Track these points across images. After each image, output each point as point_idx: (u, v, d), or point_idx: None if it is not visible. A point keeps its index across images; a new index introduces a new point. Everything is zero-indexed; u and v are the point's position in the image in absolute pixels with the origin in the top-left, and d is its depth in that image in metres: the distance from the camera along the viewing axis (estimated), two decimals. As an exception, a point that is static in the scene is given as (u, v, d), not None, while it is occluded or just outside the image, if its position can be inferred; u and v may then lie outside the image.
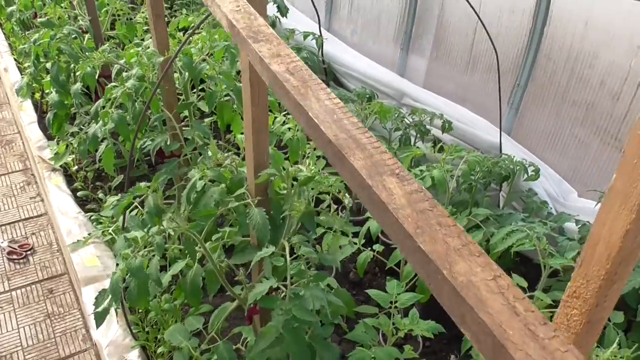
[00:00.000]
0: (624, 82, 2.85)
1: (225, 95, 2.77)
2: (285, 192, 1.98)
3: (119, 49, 3.64)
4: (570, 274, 1.01)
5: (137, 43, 3.42)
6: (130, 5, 4.64)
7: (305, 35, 4.49)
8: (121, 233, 2.22)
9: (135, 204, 2.35)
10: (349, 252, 2.54)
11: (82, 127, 3.61)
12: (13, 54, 5.16)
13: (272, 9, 4.56)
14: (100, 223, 3.26)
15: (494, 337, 0.59)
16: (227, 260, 2.08)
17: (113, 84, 2.90)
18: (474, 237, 2.53)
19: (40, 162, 3.83)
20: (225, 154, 2.31)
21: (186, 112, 2.84)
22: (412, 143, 3.54)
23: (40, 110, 4.41)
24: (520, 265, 2.96)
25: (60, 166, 3.77)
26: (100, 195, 3.62)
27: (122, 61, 3.01)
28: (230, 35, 2.81)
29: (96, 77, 3.26)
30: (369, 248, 2.62)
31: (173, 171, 2.68)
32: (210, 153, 2.39)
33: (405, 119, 3.55)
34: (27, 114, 4.37)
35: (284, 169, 1.96)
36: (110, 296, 1.83)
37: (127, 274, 1.85)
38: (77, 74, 3.30)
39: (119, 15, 4.23)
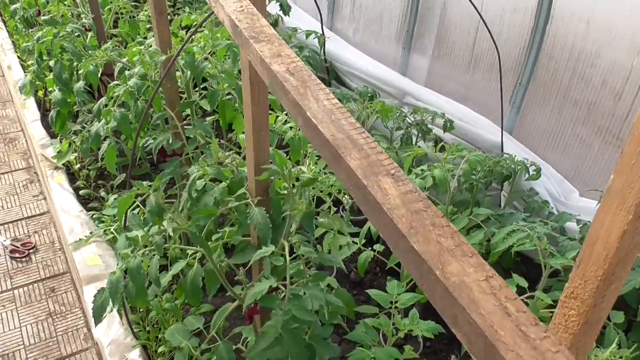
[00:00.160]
0: (626, 82, 2.85)
1: (227, 94, 2.77)
2: (285, 192, 1.99)
3: (121, 47, 3.65)
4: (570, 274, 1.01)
5: (139, 41, 3.42)
6: (133, 3, 4.65)
7: (308, 33, 4.50)
8: (122, 232, 2.23)
9: (137, 202, 2.35)
10: (349, 252, 2.54)
11: (84, 125, 3.61)
12: (16, 52, 5.18)
13: (274, 8, 4.56)
14: (102, 222, 3.26)
15: (485, 337, 0.59)
16: (227, 260, 2.08)
17: (115, 82, 2.90)
18: (474, 237, 2.53)
19: (43, 160, 3.85)
20: (227, 153, 2.31)
21: (188, 111, 2.85)
22: (413, 142, 3.54)
23: (43, 108, 4.43)
24: (521, 265, 2.96)
25: (63, 164, 3.78)
26: (103, 193, 3.63)
27: (124, 59, 3.02)
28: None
29: (99, 75, 3.26)
30: (370, 248, 2.62)
31: (175, 170, 2.68)
32: (212, 152, 2.39)
33: (407, 118, 3.54)
34: (30, 111, 4.38)
35: (287, 168, 1.96)
36: (108, 295, 1.83)
37: (126, 273, 1.86)
38: (80, 72, 3.31)
39: (121, 13, 4.23)
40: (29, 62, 4.55)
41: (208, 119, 3.19)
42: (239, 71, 2.84)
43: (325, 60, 4.61)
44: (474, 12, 3.38)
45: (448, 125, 3.49)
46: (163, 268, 2.05)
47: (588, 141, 3.13)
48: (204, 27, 3.01)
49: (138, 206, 2.43)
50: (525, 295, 2.18)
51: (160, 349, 2.55)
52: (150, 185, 2.32)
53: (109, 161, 2.96)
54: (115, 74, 3.08)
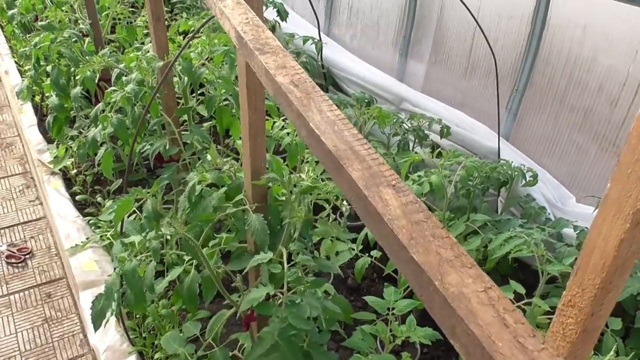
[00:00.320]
0: (622, 88, 2.86)
1: (225, 100, 2.77)
2: (283, 198, 1.98)
3: (119, 53, 3.65)
4: (568, 280, 1.01)
5: (137, 47, 3.43)
6: (130, 9, 4.66)
7: (305, 39, 4.50)
8: (119, 237, 2.22)
9: (134, 208, 2.35)
10: (346, 258, 2.54)
11: (81, 130, 3.61)
12: (14, 57, 5.18)
13: (272, 13, 4.57)
14: (99, 227, 3.26)
15: (483, 348, 0.59)
16: (224, 266, 2.08)
17: (113, 88, 2.90)
18: (471, 243, 2.53)
19: (40, 166, 3.84)
20: (224, 159, 2.31)
21: (185, 117, 2.85)
22: (410, 148, 3.55)
23: (40, 113, 4.42)
24: (519, 271, 2.96)
25: (60, 170, 3.77)
26: (99, 199, 3.62)
27: (122, 65, 3.02)
28: (232, 42, 2.83)
29: (96, 80, 3.27)
30: (367, 254, 2.61)
31: (172, 176, 2.68)
32: (209, 157, 2.39)
33: (404, 124, 3.55)
34: (27, 116, 4.37)
35: (285, 175, 1.96)
36: (106, 301, 1.82)
37: (122, 279, 1.85)
38: (77, 77, 3.31)
39: (119, 19, 4.24)
40: (26, 68, 4.54)
41: (205, 124, 3.19)
42: (236, 77, 2.84)
43: (323, 66, 4.61)
44: (471, 18, 3.39)
45: (445, 131, 3.50)
46: (159, 274, 2.05)
47: (584, 147, 3.14)
48: (202, 33, 3.01)
49: (135, 212, 2.42)
50: (523, 302, 2.17)
51: (156, 356, 2.54)
52: (148, 191, 2.31)
53: (105, 167, 2.96)
54: (113, 79, 3.08)
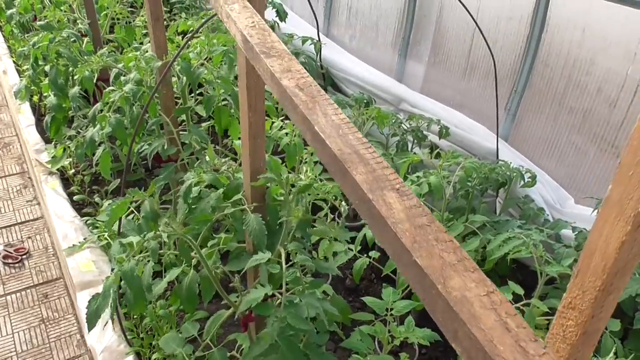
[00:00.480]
0: (621, 89, 2.86)
1: (223, 100, 2.77)
2: (282, 198, 1.98)
3: (117, 53, 3.64)
4: (566, 282, 1.01)
5: (135, 47, 3.42)
6: (129, 9, 4.65)
7: (304, 40, 4.50)
8: (117, 238, 2.21)
9: (132, 208, 2.34)
10: (345, 259, 2.53)
11: (79, 130, 3.60)
12: (12, 57, 5.17)
13: (271, 14, 4.56)
14: (96, 227, 3.25)
15: (485, 352, 0.59)
16: (222, 266, 2.07)
17: (111, 87, 2.89)
18: (470, 244, 2.53)
19: (37, 166, 3.83)
20: (223, 160, 2.30)
21: (184, 117, 2.84)
22: (409, 149, 3.55)
23: (38, 113, 4.41)
24: (517, 272, 2.96)
25: (58, 170, 3.77)
26: (97, 199, 3.61)
27: (120, 65, 3.01)
28: (232, 42, 2.82)
29: (94, 80, 3.26)
30: (365, 255, 2.61)
31: (170, 176, 2.67)
32: (207, 158, 2.39)
33: (403, 125, 3.55)
34: (25, 116, 4.36)
35: (283, 175, 1.95)
36: (102, 301, 1.82)
37: (122, 280, 1.84)
38: (76, 77, 3.30)
39: (118, 19, 4.23)
40: (25, 67, 4.53)
41: (204, 124, 3.19)
42: (235, 77, 2.84)
43: (322, 67, 4.61)
44: (470, 19, 3.39)
45: (444, 132, 3.50)
46: (157, 274, 2.04)
47: (583, 148, 3.14)
48: (201, 33, 3.01)
49: (133, 212, 2.41)
50: (521, 303, 2.17)
51: (154, 356, 2.53)
52: (145, 191, 2.31)
53: (103, 167, 2.95)
54: (111, 79, 3.07)
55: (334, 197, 2.04)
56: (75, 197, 3.63)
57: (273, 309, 1.75)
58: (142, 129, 2.87)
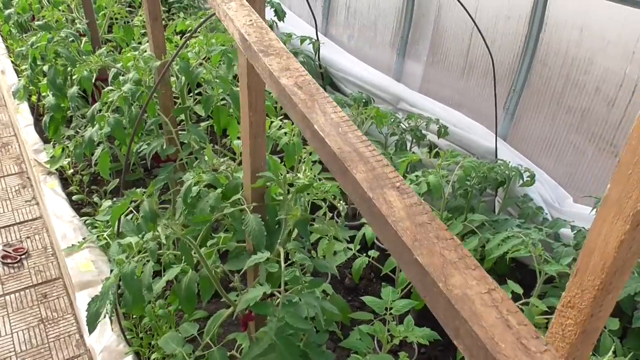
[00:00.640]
0: (619, 89, 2.86)
1: (222, 100, 2.77)
2: (281, 198, 1.98)
3: (116, 53, 3.64)
4: (565, 280, 1.01)
5: (134, 47, 3.41)
6: (127, 9, 4.64)
7: (302, 39, 4.50)
8: (116, 238, 2.21)
9: (131, 208, 2.34)
10: (344, 258, 2.53)
11: (78, 130, 3.60)
12: (10, 57, 5.16)
13: (269, 13, 4.56)
14: (95, 227, 3.25)
15: (486, 350, 0.59)
16: (222, 266, 2.07)
17: (110, 87, 2.89)
18: (469, 243, 2.54)
19: (36, 166, 3.82)
20: (221, 159, 2.30)
21: (182, 116, 2.84)
22: (408, 148, 3.55)
23: (36, 113, 4.41)
24: (516, 271, 2.96)
25: (56, 170, 3.76)
26: (96, 199, 3.61)
27: (119, 65, 3.01)
28: (231, 42, 2.82)
29: (93, 80, 3.26)
30: (365, 254, 2.61)
31: (169, 176, 2.67)
32: (206, 157, 2.39)
33: (402, 124, 3.55)
34: (23, 116, 4.36)
35: (280, 174, 1.95)
36: (101, 302, 1.82)
37: (119, 280, 1.84)
38: (74, 77, 3.30)
39: (116, 19, 4.23)
40: (23, 67, 4.53)
41: (202, 124, 3.19)
42: (234, 77, 2.84)
43: (320, 66, 4.61)
44: (468, 19, 3.39)
45: (442, 131, 3.51)
46: (156, 274, 2.04)
47: (582, 148, 3.15)
48: (199, 32, 3.01)
49: (132, 212, 2.41)
50: (520, 302, 2.18)
51: (153, 356, 2.53)
52: (144, 192, 2.31)
53: (102, 166, 2.95)
54: (110, 79, 3.07)
55: (332, 197, 2.05)
56: (74, 197, 3.63)
57: (272, 308, 1.76)
58: (140, 128, 2.87)
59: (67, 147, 3.66)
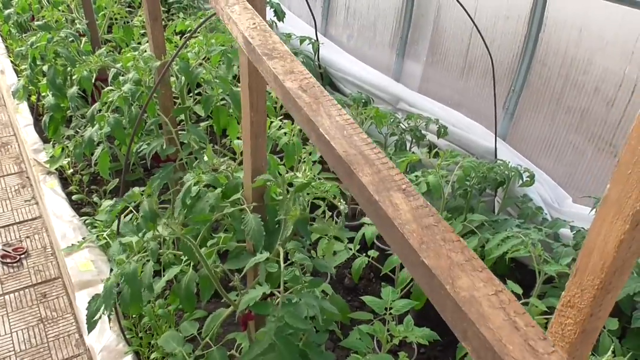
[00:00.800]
0: (618, 89, 2.87)
1: (222, 100, 2.77)
2: (280, 197, 1.98)
3: (115, 53, 3.64)
4: (565, 281, 1.01)
5: (134, 47, 3.41)
6: (127, 9, 4.64)
7: (302, 39, 4.50)
8: (116, 238, 2.21)
9: (130, 208, 2.34)
10: (343, 258, 2.53)
11: (78, 130, 3.60)
12: (10, 57, 5.16)
13: (269, 13, 4.56)
14: (95, 227, 3.25)
15: (494, 352, 0.59)
16: (221, 265, 2.08)
17: (109, 87, 2.89)
18: (469, 243, 2.54)
19: (36, 165, 3.82)
20: (221, 159, 2.31)
21: (182, 116, 2.84)
22: (407, 148, 3.55)
23: (36, 113, 4.40)
24: (516, 271, 2.97)
25: (56, 169, 3.76)
26: (95, 199, 3.61)
27: (118, 65, 3.01)
28: (230, 42, 2.82)
29: (93, 80, 3.25)
30: (364, 254, 2.62)
31: (168, 175, 2.67)
32: (206, 158, 2.39)
33: (401, 124, 3.55)
34: (23, 116, 4.36)
35: (279, 174, 1.96)
36: (103, 302, 1.82)
37: (120, 279, 1.84)
38: (74, 77, 3.29)
39: (116, 19, 4.22)
40: (22, 67, 4.53)
41: (202, 124, 3.19)
42: (234, 77, 2.84)
43: (319, 66, 4.61)
44: (468, 19, 3.40)
45: (442, 131, 3.51)
46: (156, 274, 2.04)
47: (581, 148, 3.15)
48: (199, 32, 3.01)
49: (131, 211, 2.41)
50: (520, 302, 2.18)
51: (152, 356, 2.53)
52: (142, 192, 2.30)
53: (102, 166, 2.95)
54: (109, 79, 3.07)
55: (332, 196, 2.05)
56: (73, 197, 3.63)
57: (271, 308, 1.76)
58: (140, 128, 2.87)
59: (67, 146, 3.66)
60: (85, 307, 1.92)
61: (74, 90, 3.31)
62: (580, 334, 1.01)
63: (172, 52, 2.65)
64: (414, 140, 3.54)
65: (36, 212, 3.77)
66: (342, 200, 2.06)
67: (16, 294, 3.15)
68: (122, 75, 2.88)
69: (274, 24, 4.75)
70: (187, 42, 2.52)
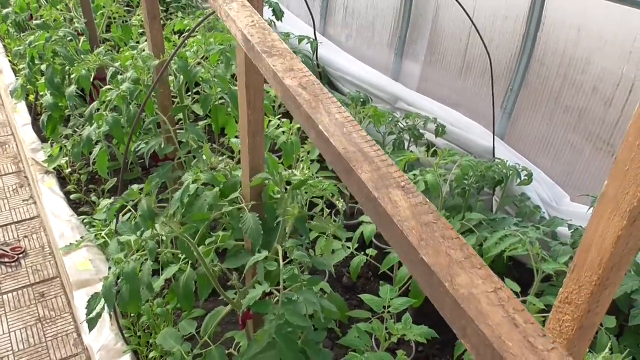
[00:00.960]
0: (616, 88, 2.88)
1: (220, 99, 2.77)
2: (278, 196, 1.98)
3: (114, 52, 3.63)
4: (562, 279, 1.02)
5: (132, 46, 3.41)
6: (125, 8, 4.64)
7: (300, 39, 4.50)
8: (114, 236, 2.21)
9: (129, 207, 2.34)
10: (342, 257, 2.54)
11: (76, 129, 3.60)
12: (8, 56, 5.15)
13: (267, 13, 4.56)
14: (93, 226, 3.24)
15: (493, 349, 0.59)
16: (220, 264, 2.08)
17: (108, 86, 2.89)
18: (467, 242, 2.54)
19: (34, 164, 3.82)
20: (219, 158, 2.31)
21: (180, 115, 2.84)
22: (406, 147, 3.55)
23: (34, 112, 4.40)
24: (513, 270, 2.97)
25: (54, 168, 3.76)
26: (93, 198, 3.61)
27: (117, 64, 3.01)
28: (229, 41, 2.82)
29: (91, 79, 3.25)
30: (362, 252, 2.62)
31: (167, 174, 2.67)
32: (204, 156, 2.39)
33: (399, 123, 3.56)
34: (21, 115, 4.35)
35: (277, 172, 1.96)
36: (102, 301, 1.82)
37: (118, 278, 1.84)
38: (72, 76, 3.29)
39: (114, 18, 4.22)
40: (20, 66, 4.52)
41: (200, 123, 3.19)
42: (232, 75, 2.84)
43: (318, 66, 4.61)
44: (466, 18, 3.40)
45: (440, 130, 3.51)
46: (154, 273, 2.04)
47: (579, 147, 3.16)
48: (197, 31, 3.01)
49: (130, 210, 2.42)
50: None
51: (151, 354, 2.53)
52: (141, 190, 2.30)
53: (100, 165, 2.95)
54: (108, 78, 3.07)
55: (331, 194, 2.05)
56: (71, 196, 3.62)
57: (271, 306, 1.76)
58: (139, 127, 2.87)
59: (65, 146, 3.65)
60: (85, 306, 1.92)
61: (72, 89, 3.30)
62: (577, 330, 1.01)
63: (171, 51, 2.65)
64: (412, 139, 3.54)
65: (34, 212, 3.76)
66: (340, 199, 2.06)
67: (14, 293, 3.15)
68: (121, 74, 2.88)
69: (273, 23, 4.75)
70: (186, 41, 2.52)
